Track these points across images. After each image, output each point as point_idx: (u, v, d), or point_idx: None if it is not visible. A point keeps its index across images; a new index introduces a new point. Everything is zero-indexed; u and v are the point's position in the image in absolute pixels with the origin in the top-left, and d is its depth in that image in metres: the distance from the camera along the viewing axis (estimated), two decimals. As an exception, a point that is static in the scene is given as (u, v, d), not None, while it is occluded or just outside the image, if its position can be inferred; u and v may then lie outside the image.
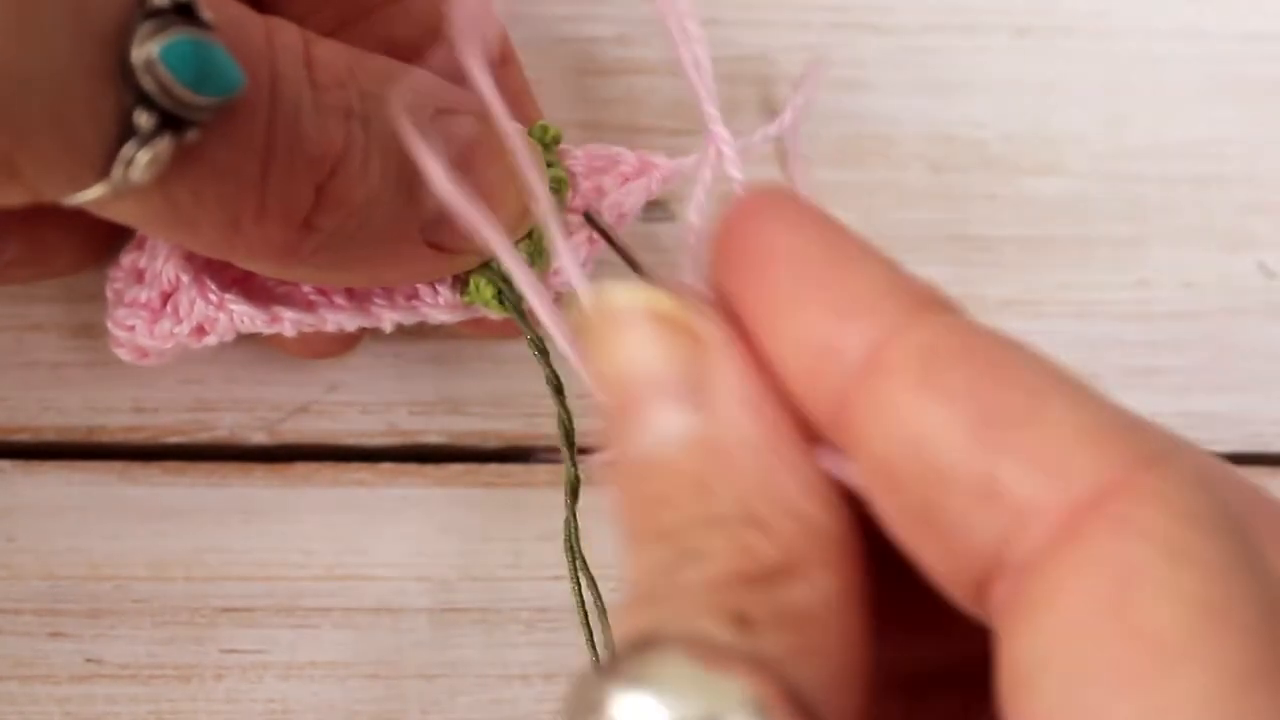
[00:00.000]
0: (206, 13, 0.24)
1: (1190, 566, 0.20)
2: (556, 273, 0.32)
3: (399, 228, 0.29)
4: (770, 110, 0.39)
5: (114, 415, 0.36)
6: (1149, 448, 0.21)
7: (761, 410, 0.24)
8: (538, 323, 0.32)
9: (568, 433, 0.32)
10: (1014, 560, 0.21)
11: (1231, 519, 0.20)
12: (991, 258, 0.39)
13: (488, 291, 0.32)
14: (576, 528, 0.32)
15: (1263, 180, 0.40)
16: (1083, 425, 0.21)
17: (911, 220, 0.39)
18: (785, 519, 0.23)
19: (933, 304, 0.23)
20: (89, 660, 0.34)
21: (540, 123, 0.33)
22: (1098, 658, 0.20)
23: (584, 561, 0.32)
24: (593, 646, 0.32)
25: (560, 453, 0.32)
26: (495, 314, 0.32)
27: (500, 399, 0.37)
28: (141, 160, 0.24)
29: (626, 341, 0.25)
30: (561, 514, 0.36)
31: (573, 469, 0.32)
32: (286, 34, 0.27)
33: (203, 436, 0.36)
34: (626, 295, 0.25)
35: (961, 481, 0.21)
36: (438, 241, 0.30)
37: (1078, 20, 0.40)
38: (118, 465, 0.35)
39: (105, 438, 0.36)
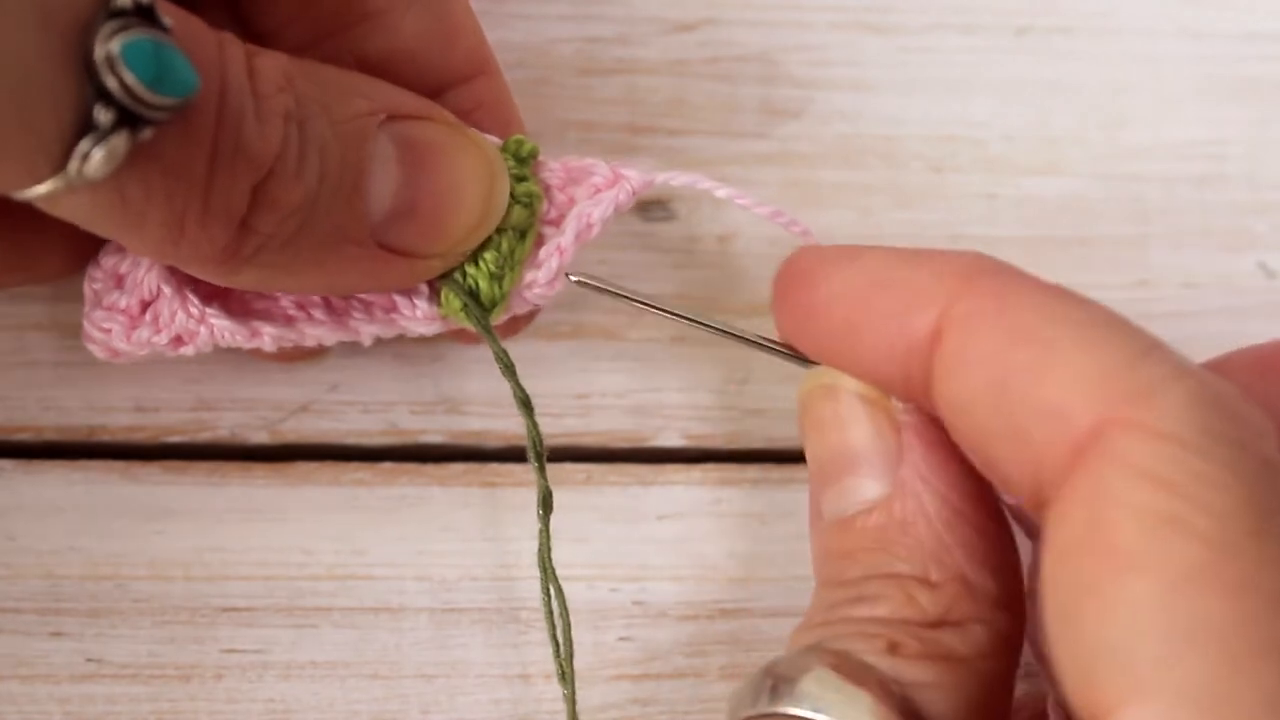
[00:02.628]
0: (166, 18, 0.25)
1: (1153, 484, 0.23)
2: (530, 285, 0.32)
3: (343, 230, 0.29)
4: (770, 111, 0.39)
5: (115, 415, 0.36)
6: (1141, 382, 0.24)
7: (941, 488, 0.28)
8: (504, 337, 0.33)
9: (537, 448, 0.32)
10: (1043, 493, 0.25)
11: (1213, 435, 0.23)
12: (991, 258, 0.39)
13: (455, 304, 0.32)
14: (549, 540, 0.32)
15: (1263, 180, 0.40)
16: (1084, 371, 0.24)
17: (911, 220, 0.39)
18: (953, 583, 0.28)
19: (969, 273, 0.27)
20: (89, 660, 0.34)
21: (516, 136, 0.33)
22: (1076, 574, 0.23)
23: (554, 573, 0.32)
24: (558, 656, 0.33)
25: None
26: (467, 326, 0.32)
27: (500, 399, 0.37)
28: (97, 155, 0.24)
29: (836, 414, 0.30)
30: (563, 516, 0.36)
31: (544, 482, 0.32)
32: (234, 45, 0.27)
33: (203, 436, 0.36)
34: (837, 376, 0.30)
35: (997, 436, 0.26)
36: (390, 244, 0.30)
37: (1078, 20, 0.40)
38: (118, 465, 0.35)
39: (106, 437, 0.36)
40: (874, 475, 0.29)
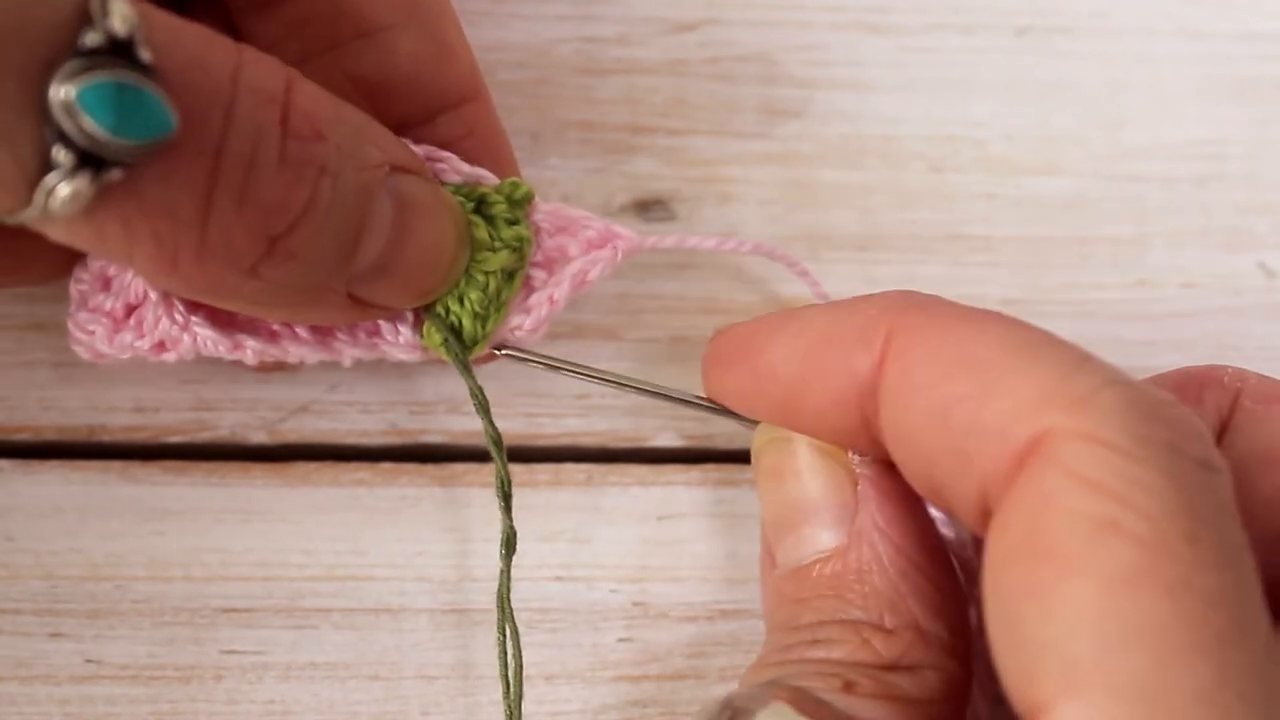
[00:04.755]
0: (145, 54, 0.24)
1: (1090, 489, 0.23)
2: (515, 328, 0.32)
3: (330, 280, 0.29)
4: (770, 111, 0.39)
5: (115, 415, 0.36)
6: (1075, 392, 0.24)
7: (896, 538, 0.29)
8: (482, 364, 0.33)
9: (505, 488, 0.32)
10: (988, 508, 0.25)
11: (1145, 441, 0.24)
12: (991, 258, 0.39)
13: (437, 338, 0.32)
14: (510, 581, 0.32)
15: (1263, 180, 0.40)
16: (1020, 389, 0.25)
17: (911, 220, 0.39)
18: (907, 630, 0.28)
19: (902, 309, 0.28)
20: (89, 660, 0.34)
21: (511, 179, 0.32)
22: (1017, 577, 0.24)
23: (511, 615, 0.32)
24: (507, 697, 0.32)
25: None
26: (446, 359, 0.32)
27: (501, 399, 0.37)
28: (62, 193, 0.24)
29: (792, 466, 0.30)
30: (563, 516, 0.36)
31: (509, 523, 0.32)
32: (261, 75, 0.26)
33: (203, 436, 0.36)
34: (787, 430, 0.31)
35: (942, 460, 0.26)
36: (360, 295, 0.30)
37: (1078, 20, 0.41)
38: (117, 465, 0.35)
39: (106, 437, 0.36)
40: (830, 525, 0.30)
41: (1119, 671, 0.22)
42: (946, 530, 0.32)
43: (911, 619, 0.28)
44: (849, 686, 0.27)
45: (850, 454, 0.30)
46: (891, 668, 0.28)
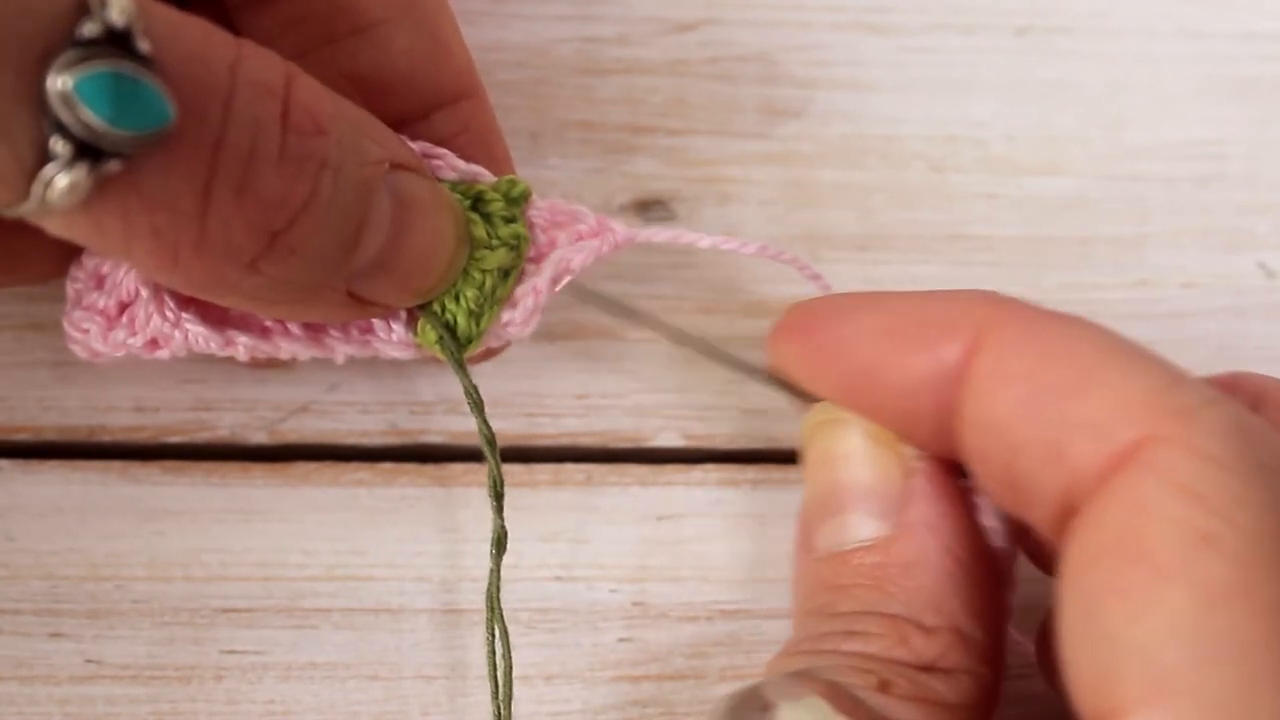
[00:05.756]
0: (144, 44, 0.24)
1: (1192, 500, 0.23)
2: (506, 324, 0.32)
3: (330, 277, 0.29)
4: (770, 111, 0.39)
5: (115, 414, 0.36)
6: (1181, 403, 0.25)
7: (945, 537, 0.29)
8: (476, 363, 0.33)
9: (498, 487, 0.32)
10: (1074, 505, 0.25)
11: (1247, 460, 0.24)
12: (991, 258, 0.39)
13: (431, 336, 0.32)
14: (499, 579, 0.32)
15: (1263, 180, 0.40)
16: (1124, 390, 0.25)
17: (911, 220, 0.39)
18: (947, 631, 0.28)
19: (997, 302, 0.28)
20: (89, 660, 0.34)
21: (508, 177, 0.32)
22: (1106, 576, 0.24)
23: (500, 614, 0.32)
24: (496, 698, 0.32)
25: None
26: (441, 357, 0.32)
27: (500, 399, 0.37)
28: (60, 184, 0.23)
29: (845, 450, 0.30)
30: (563, 516, 0.36)
31: (500, 522, 0.32)
32: (260, 69, 0.26)
33: (203, 436, 0.36)
34: (846, 412, 0.30)
35: (1029, 450, 0.26)
36: (359, 292, 0.30)
37: (1078, 20, 0.41)
38: (118, 465, 0.35)
39: (106, 437, 0.36)
40: (876, 514, 0.29)
41: (1206, 685, 0.22)
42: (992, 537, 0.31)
43: (952, 620, 0.28)
44: (884, 686, 0.27)
45: (906, 447, 0.30)
46: (928, 669, 0.28)
